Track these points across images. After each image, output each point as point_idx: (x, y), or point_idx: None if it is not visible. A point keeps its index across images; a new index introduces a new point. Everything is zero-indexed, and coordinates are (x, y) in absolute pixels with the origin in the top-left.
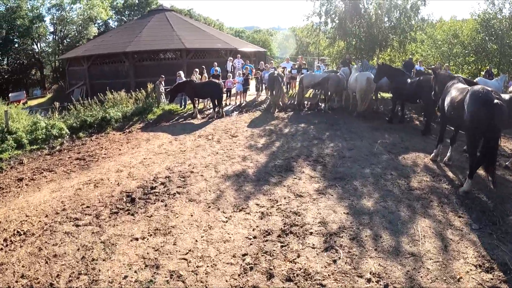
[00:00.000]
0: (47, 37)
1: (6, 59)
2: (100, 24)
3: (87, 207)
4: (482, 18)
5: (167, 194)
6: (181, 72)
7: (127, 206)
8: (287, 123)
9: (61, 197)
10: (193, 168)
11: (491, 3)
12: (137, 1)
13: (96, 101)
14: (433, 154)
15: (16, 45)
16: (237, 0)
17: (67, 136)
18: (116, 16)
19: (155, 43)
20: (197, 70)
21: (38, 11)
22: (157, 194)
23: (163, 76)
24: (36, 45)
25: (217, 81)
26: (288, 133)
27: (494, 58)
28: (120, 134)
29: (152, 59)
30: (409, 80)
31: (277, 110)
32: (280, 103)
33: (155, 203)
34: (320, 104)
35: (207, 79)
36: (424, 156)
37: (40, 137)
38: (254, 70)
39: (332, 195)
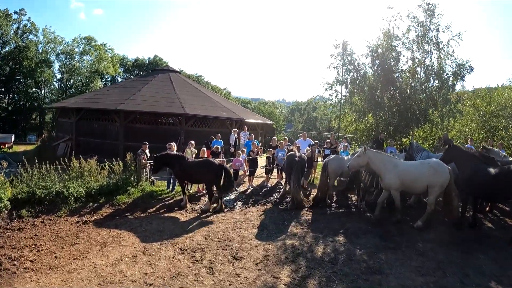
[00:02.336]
0: (52, 83)
1: (7, 97)
2: (108, 79)
3: None
4: None
5: None
6: (173, 144)
7: None
8: (317, 234)
9: None
10: None
11: None
12: (147, 62)
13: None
14: None
15: (20, 86)
16: (244, 72)
17: (6, 211)
18: (125, 74)
19: (152, 104)
20: (193, 142)
21: (46, 55)
22: None
23: (147, 143)
24: (40, 89)
25: (215, 160)
26: (324, 255)
27: None
28: (72, 224)
29: (146, 122)
30: (491, 169)
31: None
32: (302, 197)
33: None
34: (352, 198)
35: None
36: None
37: None
38: (257, 147)
39: None
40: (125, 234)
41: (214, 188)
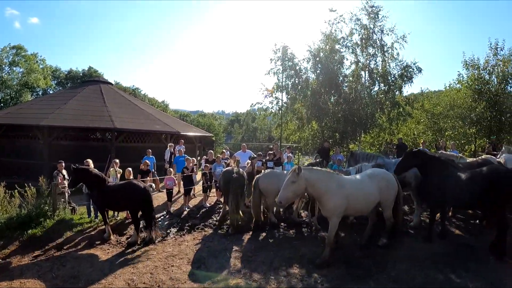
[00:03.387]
0: None
1: None
2: (40, 92)
3: None
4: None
5: None
6: (90, 161)
7: None
8: (266, 267)
9: None
10: None
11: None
12: (81, 73)
13: None
14: None
15: None
16: (184, 85)
17: None
18: (58, 87)
19: (79, 118)
20: (117, 161)
21: None
22: None
23: (62, 161)
24: None
25: (140, 183)
26: None
27: (493, 127)
28: None
29: (74, 139)
30: (462, 174)
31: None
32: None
33: None
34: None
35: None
36: None
37: None
38: (192, 162)
39: None
40: (30, 283)
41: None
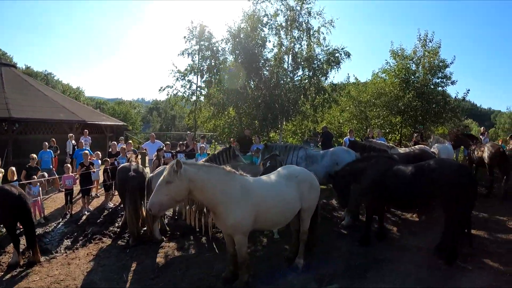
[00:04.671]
0: None
1: None
2: None
3: None
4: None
5: None
6: None
7: None
8: None
9: None
10: None
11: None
12: None
13: None
14: None
15: None
16: (103, 71)
17: None
18: None
19: None
20: None
21: None
22: None
23: None
24: None
25: (14, 189)
26: None
27: (418, 116)
28: None
29: None
30: (405, 168)
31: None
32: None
33: None
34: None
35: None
36: None
37: None
38: (90, 157)
39: None
40: None
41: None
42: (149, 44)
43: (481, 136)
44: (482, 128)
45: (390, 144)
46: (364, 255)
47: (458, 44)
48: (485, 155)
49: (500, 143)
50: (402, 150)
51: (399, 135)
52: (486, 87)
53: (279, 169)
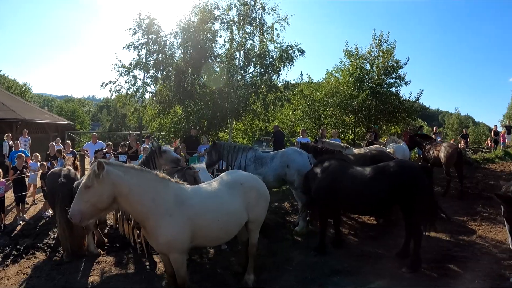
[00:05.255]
0: None
1: None
2: None
3: None
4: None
5: None
6: None
7: None
8: None
9: None
10: None
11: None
12: None
13: None
14: None
15: None
16: (54, 68)
17: None
18: None
19: None
20: None
21: None
22: None
23: None
24: None
25: None
26: None
27: (372, 116)
28: None
29: None
30: (362, 171)
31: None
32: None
33: None
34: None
35: None
36: None
37: None
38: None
39: None
40: None
41: None
42: (102, 40)
43: (434, 136)
44: (434, 127)
45: (345, 145)
46: (320, 266)
47: (409, 46)
48: (442, 154)
49: (452, 142)
50: (357, 150)
51: (353, 134)
52: (433, 89)
53: (222, 175)
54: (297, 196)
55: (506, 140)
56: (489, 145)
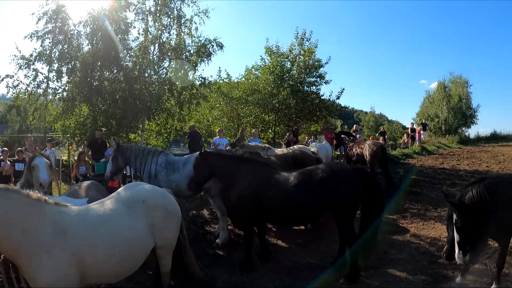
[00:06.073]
0: None
1: None
2: None
3: None
4: (279, 70)
5: None
6: None
7: None
8: None
9: None
10: None
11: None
12: None
13: None
14: None
15: None
16: None
17: None
18: None
19: None
20: None
21: None
22: None
23: None
24: None
25: None
26: None
27: (292, 114)
28: None
29: None
30: (287, 176)
31: None
32: None
33: None
34: None
35: None
36: None
37: None
38: None
39: None
40: None
41: None
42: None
43: (354, 133)
44: (354, 125)
45: (266, 145)
46: (248, 286)
47: (330, 47)
48: (366, 152)
49: (376, 140)
50: (279, 151)
51: (273, 133)
52: (348, 88)
53: (119, 190)
54: (214, 204)
55: (422, 136)
56: (405, 141)
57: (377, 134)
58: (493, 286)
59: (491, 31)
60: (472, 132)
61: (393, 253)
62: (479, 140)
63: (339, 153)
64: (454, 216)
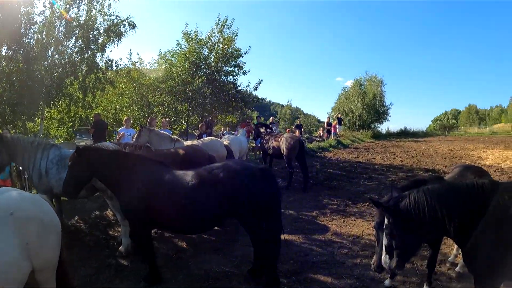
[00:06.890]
0: None
1: None
2: None
3: None
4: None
5: None
6: None
7: None
8: None
9: None
10: None
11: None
12: None
13: None
14: None
15: None
16: None
17: None
18: None
19: None
20: None
21: None
22: None
23: None
24: None
25: None
26: None
27: (207, 104)
28: None
29: None
30: (178, 177)
31: None
32: None
33: None
34: None
35: None
36: None
37: None
38: None
39: None
40: None
41: None
42: None
43: (270, 125)
44: (271, 117)
45: (175, 137)
46: None
47: (249, 40)
48: (283, 146)
49: (294, 134)
50: (189, 142)
51: (186, 124)
52: (265, 80)
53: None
54: (112, 206)
55: (337, 130)
56: (321, 134)
57: (293, 127)
58: (424, 287)
59: (406, 35)
60: (383, 127)
61: (315, 254)
62: (390, 135)
63: (254, 145)
64: (385, 222)
